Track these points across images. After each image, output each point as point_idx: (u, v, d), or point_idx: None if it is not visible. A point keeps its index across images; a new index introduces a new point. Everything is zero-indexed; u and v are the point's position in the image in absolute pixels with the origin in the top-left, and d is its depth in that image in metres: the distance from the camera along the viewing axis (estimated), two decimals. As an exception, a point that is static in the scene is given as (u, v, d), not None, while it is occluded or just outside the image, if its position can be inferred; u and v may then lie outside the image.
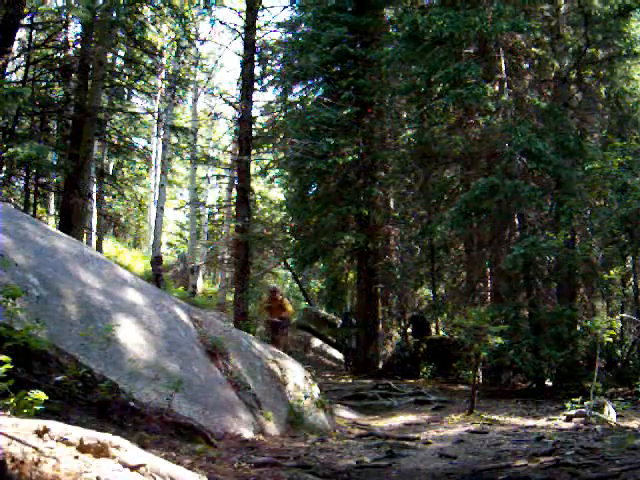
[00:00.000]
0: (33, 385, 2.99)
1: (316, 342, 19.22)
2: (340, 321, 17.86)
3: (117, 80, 15.88)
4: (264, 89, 16.56)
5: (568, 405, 7.48)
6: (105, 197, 19.57)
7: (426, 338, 14.44)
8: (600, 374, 8.45)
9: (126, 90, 17.65)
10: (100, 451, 2.08)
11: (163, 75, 18.08)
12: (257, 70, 15.85)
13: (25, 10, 12.66)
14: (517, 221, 11.73)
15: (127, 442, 2.25)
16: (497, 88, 11.73)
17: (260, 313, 12.83)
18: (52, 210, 19.18)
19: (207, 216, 28.81)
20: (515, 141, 10.64)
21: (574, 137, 11.52)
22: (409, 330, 15.83)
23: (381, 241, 15.47)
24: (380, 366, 14.63)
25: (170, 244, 33.20)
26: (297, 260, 16.19)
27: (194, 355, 5.37)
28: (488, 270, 13.51)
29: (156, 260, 17.24)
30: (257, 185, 23.77)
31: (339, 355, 18.37)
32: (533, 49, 12.54)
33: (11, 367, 2.68)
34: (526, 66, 13.20)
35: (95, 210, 17.87)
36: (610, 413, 7.07)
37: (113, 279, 5.51)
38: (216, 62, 19.89)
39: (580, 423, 6.91)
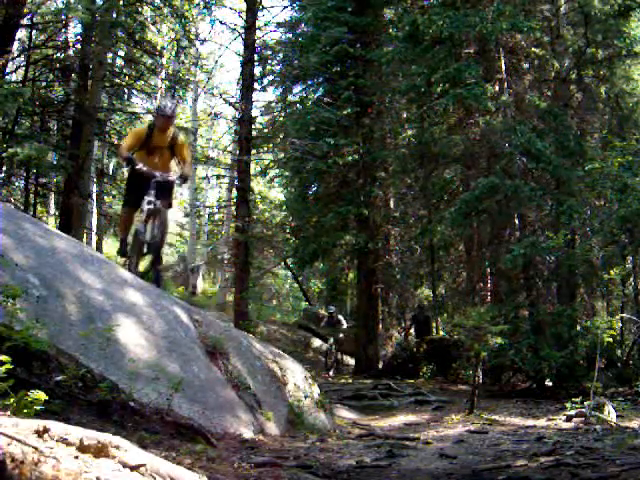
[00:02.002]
0: (33, 385, 2.99)
1: (316, 342, 19.23)
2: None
3: (117, 80, 15.89)
4: (264, 89, 16.56)
5: (568, 405, 7.48)
6: (105, 197, 19.56)
7: (426, 338, 14.44)
8: (600, 374, 8.44)
9: (126, 90, 17.65)
10: (100, 451, 2.08)
11: (163, 75, 18.08)
12: (257, 70, 15.85)
13: (25, 10, 12.66)
14: (517, 221, 11.73)
15: (127, 442, 2.25)
16: (497, 88, 11.73)
17: (125, 152, 6.38)
18: (52, 210, 19.18)
19: (207, 216, 28.81)
20: (515, 141, 10.65)
21: (574, 137, 11.52)
22: (411, 331, 15.79)
23: (381, 241, 15.47)
24: (380, 366, 14.63)
25: (170, 244, 33.19)
26: (297, 260, 16.19)
27: (194, 355, 5.37)
28: (488, 270, 13.52)
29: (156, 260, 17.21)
30: (257, 185, 23.77)
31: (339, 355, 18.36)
32: (533, 49, 12.54)
33: (11, 367, 2.68)
34: (526, 66, 13.21)
35: (95, 210, 17.88)
36: (610, 413, 7.07)
37: (113, 279, 5.51)
38: (216, 62, 19.89)
39: (580, 423, 6.91)
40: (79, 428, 2.22)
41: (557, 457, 4.49)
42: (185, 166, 6.64)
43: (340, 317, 15.81)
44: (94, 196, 16.66)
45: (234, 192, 18.36)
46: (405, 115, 15.83)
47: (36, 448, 1.83)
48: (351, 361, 16.96)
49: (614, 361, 10.86)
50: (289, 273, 24.59)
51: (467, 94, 10.86)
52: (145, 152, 6.50)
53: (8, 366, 2.66)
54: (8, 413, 2.51)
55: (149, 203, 6.27)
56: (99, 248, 18.41)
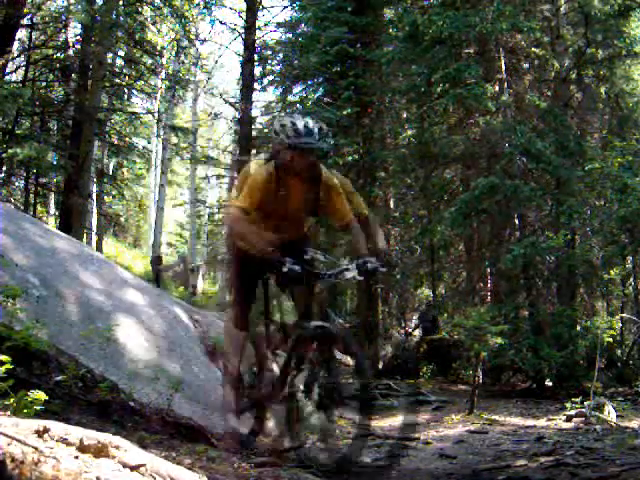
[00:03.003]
0: (33, 385, 2.99)
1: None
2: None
3: (117, 80, 15.90)
4: (264, 89, 16.58)
5: (568, 405, 7.48)
6: (105, 197, 19.56)
7: (426, 338, 14.42)
8: (600, 374, 8.44)
9: (126, 90, 17.65)
10: (100, 451, 2.08)
11: (163, 75, 18.08)
12: (257, 70, 15.86)
13: (25, 10, 12.66)
14: (517, 221, 11.72)
15: (127, 442, 2.25)
16: (497, 88, 11.72)
17: (263, 242, 3.37)
18: (52, 210, 19.19)
19: (207, 216, 28.82)
20: (515, 141, 10.64)
21: (574, 137, 11.52)
22: (416, 332, 15.72)
23: (381, 241, 15.45)
24: (380, 366, 14.62)
25: (170, 244, 33.20)
26: (297, 260, 16.15)
27: (194, 355, 5.37)
28: (488, 270, 13.51)
29: (156, 260, 17.28)
30: (257, 185, 23.73)
31: (339, 355, 18.31)
32: (533, 49, 12.54)
33: (11, 367, 2.69)
34: (526, 66, 13.21)
35: (95, 210, 17.89)
36: (610, 413, 7.07)
37: (113, 279, 5.51)
38: (216, 62, 19.88)
39: (580, 423, 6.91)
40: (79, 428, 2.23)
41: (557, 457, 4.49)
42: (376, 236, 3.96)
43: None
44: (94, 196, 16.67)
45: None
46: (405, 115, 15.82)
47: (36, 448, 1.83)
48: (351, 361, 16.94)
49: (614, 361, 10.85)
50: (289, 273, 24.52)
51: (467, 94, 10.85)
52: (265, 215, 3.62)
53: (8, 366, 2.66)
54: (8, 413, 2.51)
55: (316, 329, 3.49)
56: (99, 248, 18.40)
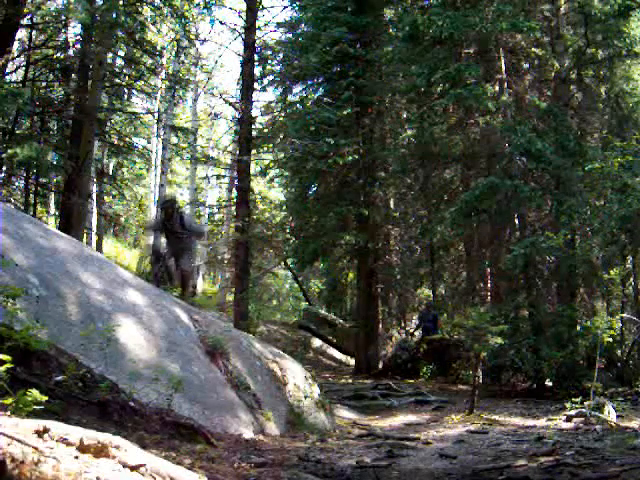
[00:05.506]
0: (33, 385, 2.99)
1: (316, 342, 19.23)
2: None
3: (117, 80, 15.88)
4: (264, 89, 16.56)
5: (568, 405, 7.48)
6: (105, 197, 19.56)
7: (426, 338, 14.43)
8: (600, 374, 8.43)
9: (126, 90, 17.63)
10: (100, 451, 2.08)
11: (163, 75, 18.07)
12: (257, 70, 15.85)
13: (25, 10, 12.65)
14: (517, 221, 11.73)
15: (127, 442, 2.26)
16: (497, 88, 11.73)
17: None
18: (52, 210, 19.17)
19: (207, 216, 28.81)
20: (515, 141, 10.64)
21: (574, 137, 11.52)
22: (416, 333, 15.69)
23: (381, 241, 15.46)
24: (380, 366, 14.62)
25: (170, 244, 33.13)
26: (297, 260, 16.17)
27: (194, 355, 5.37)
28: (488, 270, 13.51)
29: (156, 260, 17.28)
30: (257, 185, 23.75)
31: (339, 355, 18.35)
32: (533, 49, 12.54)
33: (11, 367, 2.69)
34: (526, 66, 13.21)
35: (95, 210, 17.87)
36: (610, 413, 7.07)
37: (113, 279, 5.51)
38: (216, 62, 19.90)
39: (580, 423, 6.91)
40: (79, 428, 2.23)
41: (557, 457, 4.50)
42: None
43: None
44: (94, 196, 16.65)
45: (234, 192, 18.36)
46: (405, 115, 15.83)
47: (36, 448, 1.83)
48: (351, 361, 16.97)
49: (614, 361, 10.85)
50: (289, 273, 24.56)
51: (467, 94, 10.85)
52: None
53: (8, 365, 2.66)
54: (8, 413, 2.51)
55: None
56: (99, 248, 18.41)
